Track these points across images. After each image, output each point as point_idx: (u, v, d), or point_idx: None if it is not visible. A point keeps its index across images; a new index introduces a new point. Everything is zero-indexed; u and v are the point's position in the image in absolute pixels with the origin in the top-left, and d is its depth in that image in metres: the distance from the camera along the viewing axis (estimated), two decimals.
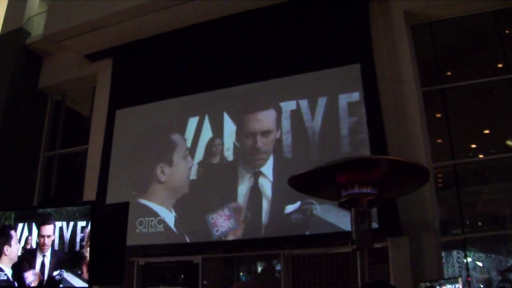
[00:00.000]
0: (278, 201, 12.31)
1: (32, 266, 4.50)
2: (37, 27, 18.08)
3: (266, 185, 12.69)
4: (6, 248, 4.65)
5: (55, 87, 18.14)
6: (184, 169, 13.68)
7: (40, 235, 4.53)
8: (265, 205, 12.50)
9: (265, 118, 13.24)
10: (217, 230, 12.67)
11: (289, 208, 12.02)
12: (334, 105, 12.48)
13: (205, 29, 14.93)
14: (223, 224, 12.64)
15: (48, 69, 18.12)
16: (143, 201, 13.91)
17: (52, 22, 16.59)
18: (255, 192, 12.74)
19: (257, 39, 14.24)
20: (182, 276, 14.97)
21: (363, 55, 12.61)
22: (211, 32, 14.87)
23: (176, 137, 14.13)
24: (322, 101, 12.66)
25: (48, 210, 4.64)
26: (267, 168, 12.81)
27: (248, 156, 13.10)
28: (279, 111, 13.08)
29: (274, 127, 13.05)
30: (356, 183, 4.39)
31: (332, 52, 13.01)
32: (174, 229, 13.29)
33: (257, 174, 12.87)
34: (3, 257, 4.65)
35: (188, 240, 13.07)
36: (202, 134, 13.90)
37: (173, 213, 13.44)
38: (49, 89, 18.31)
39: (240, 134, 13.42)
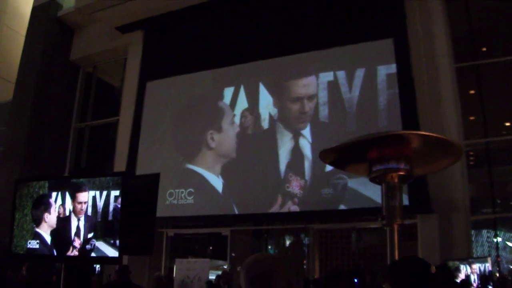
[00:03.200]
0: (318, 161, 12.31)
1: (68, 231, 4.58)
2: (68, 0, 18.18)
3: (306, 146, 12.76)
4: (46, 215, 4.73)
5: (87, 59, 18.28)
6: (232, 135, 13.81)
7: (76, 202, 4.59)
8: (307, 164, 12.59)
9: (310, 83, 13.22)
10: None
11: (329, 167, 12.02)
12: (372, 76, 12.42)
13: (238, 1, 14.88)
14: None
15: (79, 41, 18.24)
16: (191, 166, 14.07)
17: None
18: (297, 153, 12.82)
19: (291, 12, 14.13)
20: (211, 248, 15.11)
21: (396, 30, 12.45)
22: (244, 5, 14.79)
23: (222, 104, 14.25)
24: (360, 72, 12.57)
25: (81, 180, 4.70)
26: (307, 131, 12.89)
27: (292, 120, 13.14)
28: (317, 80, 13.12)
29: (316, 92, 13.08)
30: (387, 158, 4.34)
31: (366, 26, 12.87)
32: (222, 194, 13.44)
33: (297, 136, 12.93)
34: (43, 223, 4.73)
35: (236, 210, 13.17)
36: (238, 104, 13.97)
37: (221, 179, 13.59)
38: (80, 61, 18.45)
39: (283, 99, 13.45)
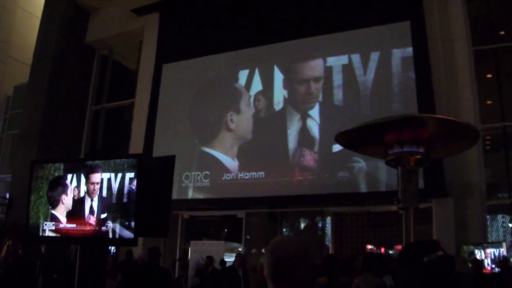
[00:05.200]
0: (326, 141, 12.37)
1: (82, 212, 4.62)
2: None
3: (314, 127, 12.80)
4: (63, 197, 4.77)
5: (102, 41, 18.29)
6: (249, 117, 13.86)
7: (89, 183, 4.63)
8: (316, 146, 12.67)
9: (316, 66, 13.24)
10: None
11: (336, 148, 12.01)
12: (387, 60, 12.36)
13: None
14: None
15: (95, 24, 18.25)
16: (206, 149, 14.12)
17: None
18: (304, 133, 12.88)
19: None
20: (226, 230, 15.17)
21: (413, 12, 12.35)
22: None
23: (239, 85, 14.27)
24: (375, 56, 12.52)
25: (96, 161, 4.73)
26: (315, 112, 12.94)
27: (300, 101, 13.20)
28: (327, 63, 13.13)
29: (323, 74, 13.08)
30: (403, 141, 4.30)
31: (382, 9, 12.77)
32: (237, 177, 13.49)
33: (305, 117, 12.97)
34: (61, 205, 4.78)
35: (252, 192, 13.22)
36: (253, 87, 13.98)
37: (236, 162, 13.64)
38: (96, 44, 18.47)
39: (291, 81, 13.47)
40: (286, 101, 13.38)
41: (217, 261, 12.08)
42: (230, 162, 13.60)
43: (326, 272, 8.27)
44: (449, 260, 2.63)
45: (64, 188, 4.83)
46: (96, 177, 4.64)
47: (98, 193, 4.61)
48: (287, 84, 13.48)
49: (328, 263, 8.85)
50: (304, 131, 12.90)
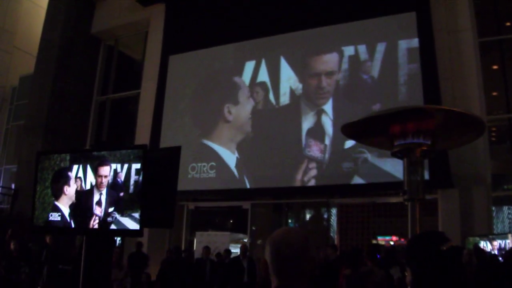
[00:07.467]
0: (339, 137, 12.33)
1: (89, 204, 4.62)
2: None
3: (327, 122, 12.76)
4: (65, 188, 4.76)
5: (108, 32, 18.27)
6: (248, 108, 13.85)
7: (98, 175, 4.62)
8: (327, 140, 12.63)
9: (329, 60, 13.19)
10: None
11: (348, 144, 12.02)
12: (393, 50, 12.32)
13: None
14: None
15: (101, 14, 18.23)
16: (206, 142, 14.15)
17: None
18: (318, 129, 12.84)
19: None
20: (231, 221, 15.20)
21: (419, 3, 12.31)
22: None
23: (238, 79, 14.24)
24: (381, 47, 12.48)
25: (103, 152, 4.72)
26: (328, 107, 12.88)
27: (312, 95, 13.14)
28: (341, 55, 13.04)
29: (337, 69, 13.02)
30: (409, 132, 4.30)
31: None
32: (235, 170, 13.53)
33: (320, 112, 12.91)
34: (63, 196, 4.78)
35: (247, 183, 13.27)
36: (259, 78, 13.96)
37: (236, 154, 13.65)
38: (101, 34, 18.46)
39: (304, 75, 13.41)
40: (292, 92, 13.33)
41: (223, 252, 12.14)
42: (229, 155, 13.64)
43: (351, 264, 8.27)
44: (458, 250, 2.65)
45: (66, 180, 4.83)
46: (105, 170, 4.62)
47: (106, 186, 4.60)
48: (297, 78, 13.41)
49: (353, 254, 8.87)
50: (314, 124, 12.85)
